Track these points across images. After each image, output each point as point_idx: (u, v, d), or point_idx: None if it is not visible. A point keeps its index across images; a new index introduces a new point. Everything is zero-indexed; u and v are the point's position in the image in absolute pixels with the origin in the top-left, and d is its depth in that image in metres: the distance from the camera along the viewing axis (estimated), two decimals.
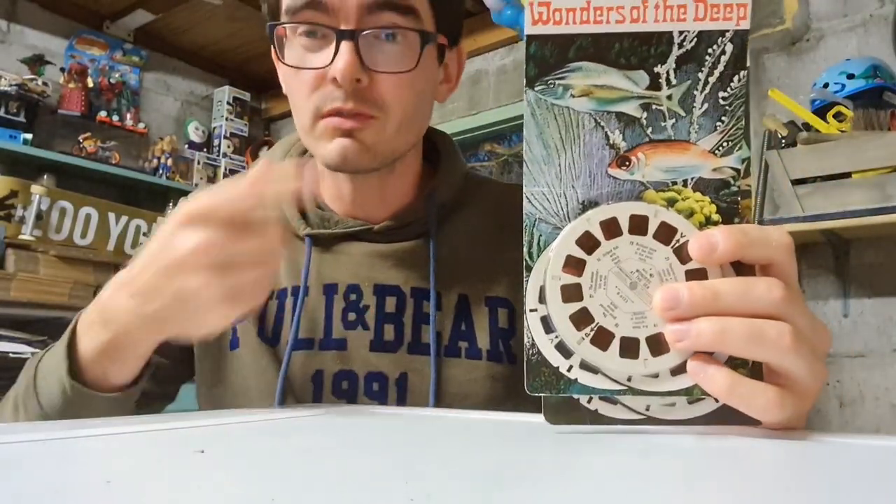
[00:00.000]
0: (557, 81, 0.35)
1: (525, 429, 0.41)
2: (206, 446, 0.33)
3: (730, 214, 0.35)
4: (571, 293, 0.35)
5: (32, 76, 2.60)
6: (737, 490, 0.24)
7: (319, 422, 0.43)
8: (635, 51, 0.35)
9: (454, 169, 0.72)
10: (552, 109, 0.35)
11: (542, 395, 0.35)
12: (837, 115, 1.82)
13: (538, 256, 0.35)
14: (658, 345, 0.34)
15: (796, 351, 0.33)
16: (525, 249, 0.36)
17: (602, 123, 0.35)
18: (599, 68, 0.35)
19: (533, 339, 0.35)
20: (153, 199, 2.90)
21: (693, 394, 0.34)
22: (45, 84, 2.61)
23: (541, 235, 0.35)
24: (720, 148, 0.35)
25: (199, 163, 3.14)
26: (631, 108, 0.35)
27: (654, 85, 0.35)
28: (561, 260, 0.35)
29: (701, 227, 0.35)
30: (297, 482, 0.25)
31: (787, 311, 0.33)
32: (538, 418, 0.46)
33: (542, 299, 0.35)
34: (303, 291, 0.65)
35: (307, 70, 0.59)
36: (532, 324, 0.35)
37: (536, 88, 0.35)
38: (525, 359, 0.35)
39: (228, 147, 3.30)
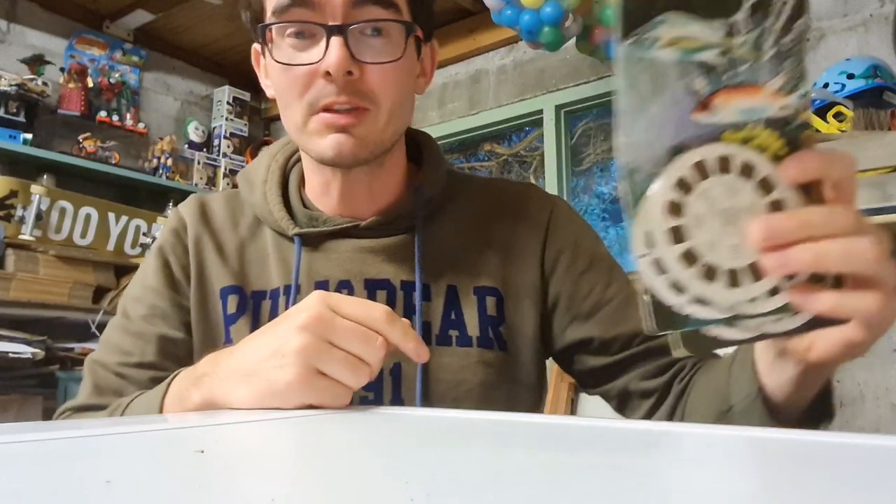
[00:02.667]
0: (645, 35, 0.37)
1: (525, 429, 0.41)
2: (206, 446, 0.33)
3: (794, 146, 0.38)
4: (677, 235, 0.38)
5: (32, 76, 2.60)
6: (736, 489, 0.24)
7: (319, 422, 0.43)
8: (713, 1, 0.37)
9: (438, 165, 0.74)
10: (641, 62, 0.37)
11: (664, 333, 0.39)
12: (837, 115, 1.82)
13: (636, 205, 0.38)
14: (755, 272, 0.38)
15: (880, 258, 0.38)
16: (623, 199, 0.38)
17: (685, 72, 0.38)
18: (682, 19, 0.37)
19: (646, 284, 0.38)
20: (153, 199, 2.90)
21: (787, 310, 0.39)
22: (44, 84, 2.61)
23: (636, 184, 0.38)
24: (784, 87, 0.38)
25: (199, 163, 3.15)
26: (710, 57, 0.38)
27: (730, 33, 0.37)
28: (663, 205, 0.38)
29: (773, 160, 0.38)
30: (297, 482, 0.25)
31: (861, 227, 0.39)
32: (538, 418, 0.46)
33: (649, 244, 0.38)
34: (294, 289, 0.66)
35: (299, 68, 0.61)
36: (644, 268, 0.38)
37: (627, 43, 0.37)
38: (640, 303, 0.39)
39: (228, 147, 3.30)
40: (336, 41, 0.59)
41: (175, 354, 0.67)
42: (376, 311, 0.48)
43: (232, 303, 0.69)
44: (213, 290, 0.70)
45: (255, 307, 0.69)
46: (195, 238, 0.71)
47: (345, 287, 0.68)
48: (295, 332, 0.46)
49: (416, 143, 0.76)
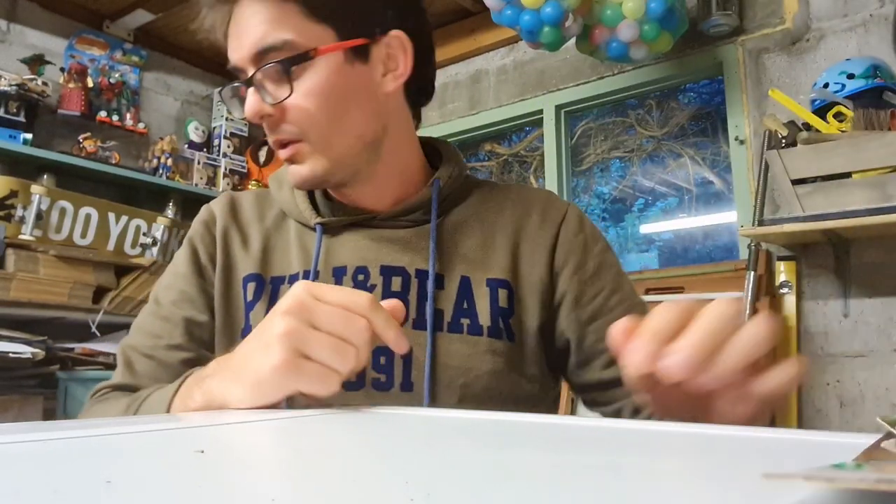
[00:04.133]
0: None
1: (525, 429, 0.41)
2: (206, 446, 0.33)
3: None
4: None
5: (32, 76, 2.59)
6: (736, 488, 0.24)
7: (319, 422, 0.43)
8: None
9: (455, 165, 0.78)
10: None
11: None
12: (837, 115, 1.82)
13: None
14: None
15: None
16: None
17: None
18: None
19: None
20: (153, 199, 2.90)
21: None
22: (45, 84, 2.60)
23: None
24: None
25: (199, 163, 3.14)
26: None
27: None
28: None
29: None
30: (297, 482, 0.25)
31: None
32: (538, 418, 0.46)
33: None
34: (313, 274, 0.70)
35: None
36: None
37: None
38: None
39: (228, 147, 3.29)
40: (250, 92, 0.66)
41: (200, 336, 0.72)
42: (359, 297, 0.48)
43: (251, 290, 0.73)
44: (237, 279, 0.74)
45: (272, 291, 0.72)
46: (223, 230, 0.76)
47: (361, 272, 0.71)
48: (278, 318, 0.47)
49: (437, 151, 0.81)
